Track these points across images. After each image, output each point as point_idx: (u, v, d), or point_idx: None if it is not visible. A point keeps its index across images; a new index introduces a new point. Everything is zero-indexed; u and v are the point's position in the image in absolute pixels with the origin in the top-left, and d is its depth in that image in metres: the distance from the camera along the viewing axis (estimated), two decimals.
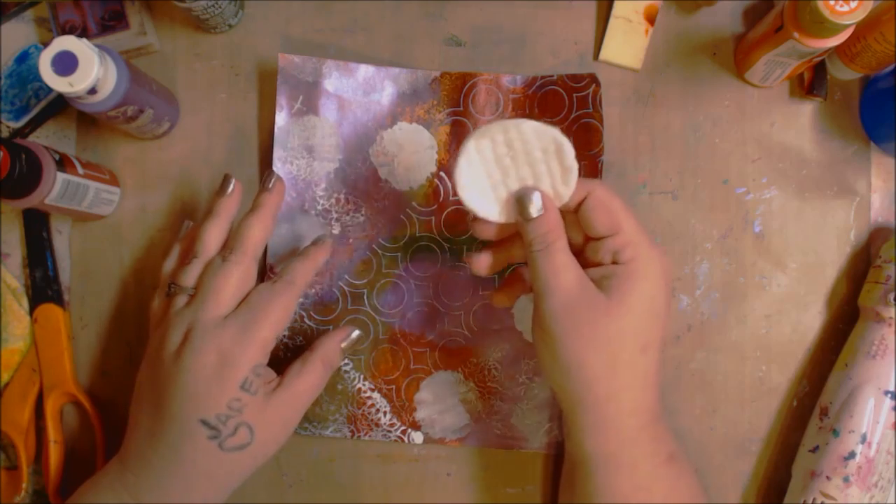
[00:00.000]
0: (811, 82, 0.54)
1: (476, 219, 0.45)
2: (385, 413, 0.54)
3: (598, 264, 0.44)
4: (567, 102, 0.54)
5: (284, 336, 0.54)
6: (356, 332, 0.50)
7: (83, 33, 0.54)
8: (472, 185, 0.43)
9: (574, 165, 0.42)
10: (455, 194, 0.54)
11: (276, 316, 0.46)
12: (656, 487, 0.44)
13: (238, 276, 0.46)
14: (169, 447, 0.44)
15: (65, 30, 0.54)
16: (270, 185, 0.49)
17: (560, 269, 0.42)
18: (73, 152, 0.55)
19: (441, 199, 0.54)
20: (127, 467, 0.45)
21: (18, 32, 0.56)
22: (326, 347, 0.48)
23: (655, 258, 0.43)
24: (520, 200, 0.43)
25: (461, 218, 0.54)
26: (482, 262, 0.46)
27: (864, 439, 0.49)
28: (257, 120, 0.56)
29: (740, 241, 0.55)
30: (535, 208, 0.42)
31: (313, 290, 0.54)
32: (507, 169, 0.43)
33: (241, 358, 0.44)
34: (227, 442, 0.44)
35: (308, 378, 0.47)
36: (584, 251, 0.45)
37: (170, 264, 0.50)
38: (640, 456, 0.44)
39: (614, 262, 0.43)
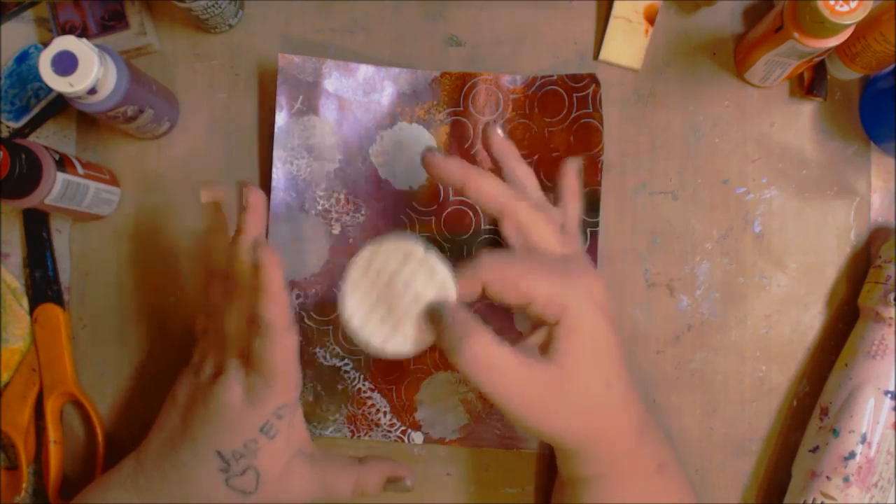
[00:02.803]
0: (811, 82, 0.54)
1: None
2: (385, 413, 0.54)
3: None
4: (567, 102, 0.54)
5: None
6: (409, 482, 0.47)
7: (83, 33, 0.54)
8: (367, 326, 0.41)
9: (443, 270, 0.40)
10: (456, 195, 0.54)
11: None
12: (646, 498, 0.45)
13: None
14: (184, 464, 0.44)
15: (65, 30, 0.54)
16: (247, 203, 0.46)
17: (495, 369, 0.39)
18: (73, 152, 0.55)
19: (441, 199, 0.54)
20: (142, 468, 0.45)
21: (18, 32, 0.56)
22: (371, 475, 0.46)
23: (583, 299, 0.41)
24: (430, 318, 0.40)
25: (461, 218, 0.54)
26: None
27: (864, 439, 0.49)
28: (257, 120, 0.56)
29: (740, 241, 0.55)
30: (438, 324, 0.39)
31: (313, 291, 0.54)
32: (388, 300, 0.41)
33: (265, 400, 0.43)
34: (233, 480, 0.43)
35: (339, 484, 0.45)
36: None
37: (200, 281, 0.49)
38: (629, 472, 0.44)
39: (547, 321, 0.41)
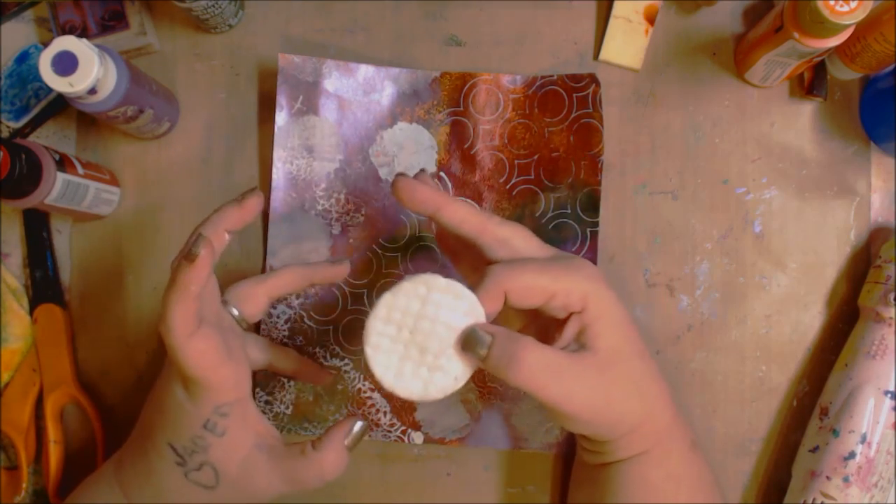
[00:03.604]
0: (811, 82, 0.54)
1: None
2: (385, 413, 0.54)
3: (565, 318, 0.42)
4: (567, 102, 0.54)
5: (284, 336, 0.54)
6: (359, 424, 0.43)
7: (83, 33, 0.54)
8: (402, 379, 0.40)
9: (468, 292, 0.40)
10: (455, 195, 0.54)
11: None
12: (685, 475, 0.45)
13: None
14: (147, 457, 0.43)
15: (65, 30, 0.54)
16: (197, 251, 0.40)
17: (552, 376, 0.40)
18: (73, 152, 0.55)
19: None
20: (122, 465, 0.45)
21: (18, 32, 0.56)
22: (330, 455, 0.43)
23: (597, 282, 0.42)
24: (468, 344, 0.39)
25: None
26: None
27: (864, 439, 0.49)
28: (257, 120, 0.56)
29: (740, 241, 0.55)
30: (482, 347, 0.39)
31: (313, 290, 0.54)
32: (418, 343, 0.40)
33: (202, 399, 0.42)
34: (191, 474, 0.42)
35: (304, 480, 0.43)
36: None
37: None
38: (668, 449, 0.44)
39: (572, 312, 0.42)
